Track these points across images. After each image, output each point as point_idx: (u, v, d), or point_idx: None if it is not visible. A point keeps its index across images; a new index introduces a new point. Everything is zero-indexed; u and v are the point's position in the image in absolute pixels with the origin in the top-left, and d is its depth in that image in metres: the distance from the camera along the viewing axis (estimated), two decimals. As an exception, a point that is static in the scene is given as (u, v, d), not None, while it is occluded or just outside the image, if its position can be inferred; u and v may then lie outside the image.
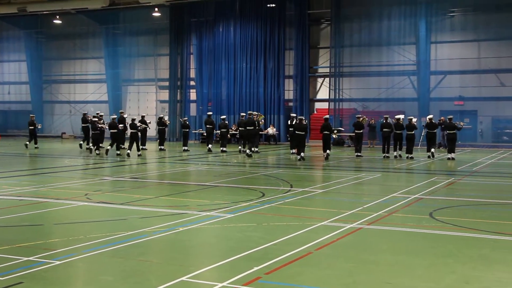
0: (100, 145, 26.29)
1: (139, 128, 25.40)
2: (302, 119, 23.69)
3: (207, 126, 27.86)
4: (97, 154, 24.71)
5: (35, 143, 29.27)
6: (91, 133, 26.04)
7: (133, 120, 25.01)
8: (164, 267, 6.76)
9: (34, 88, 44.86)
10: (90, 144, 26.76)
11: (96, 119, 25.75)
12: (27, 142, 29.26)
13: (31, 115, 31.26)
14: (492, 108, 32.37)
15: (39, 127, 30.25)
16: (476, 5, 32.36)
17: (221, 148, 26.78)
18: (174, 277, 6.21)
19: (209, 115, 28.60)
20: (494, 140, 32.79)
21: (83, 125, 28.71)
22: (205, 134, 29.88)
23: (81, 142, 28.56)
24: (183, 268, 6.71)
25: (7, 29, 45.88)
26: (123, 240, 7.94)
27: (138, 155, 24.04)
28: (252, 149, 25.05)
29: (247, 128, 25.32)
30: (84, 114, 29.12)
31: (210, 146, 27.34)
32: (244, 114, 28.52)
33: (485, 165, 21.17)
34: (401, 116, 24.34)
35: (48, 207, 10.90)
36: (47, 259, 6.89)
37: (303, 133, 22.97)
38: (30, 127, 29.59)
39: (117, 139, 24.99)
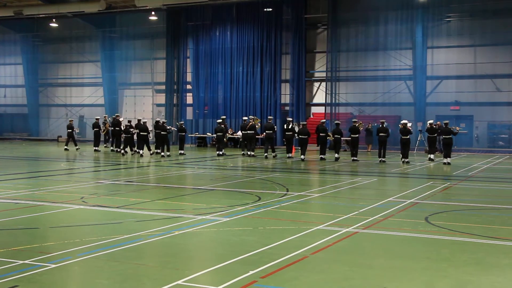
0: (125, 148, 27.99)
1: (168, 130, 26.79)
2: (305, 124, 25.85)
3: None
4: (122, 154, 26.71)
5: (66, 144, 30.21)
6: (124, 136, 27.49)
7: (163, 122, 27.00)
8: (160, 271, 6.76)
9: (30, 91, 44.77)
10: (114, 146, 29.08)
11: (129, 124, 27.37)
12: (76, 147, 30.22)
13: (70, 119, 31.87)
14: (488, 113, 32.44)
15: (76, 131, 31.24)
16: (473, 11, 32.45)
17: (217, 152, 26.83)
18: (169, 281, 6.21)
19: (223, 119, 28.96)
20: (490, 145, 32.83)
21: (116, 128, 29.35)
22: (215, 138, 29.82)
23: (112, 148, 29.49)
24: (178, 271, 6.71)
25: (3, 32, 45.80)
26: (119, 244, 7.94)
27: (168, 155, 25.91)
28: (270, 153, 26.09)
29: (267, 132, 26.56)
30: (115, 118, 29.98)
31: (223, 151, 27.72)
32: (246, 118, 28.79)
33: (481, 170, 21.21)
34: (406, 121, 24.31)
35: (44, 211, 10.89)
36: (42, 263, 6.89)
37: (306, 137, 24.85)
38: (68, 130, 30.15)
39: (146, 141, 26.52)
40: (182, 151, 27.45)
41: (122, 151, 27.27)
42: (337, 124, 25.90)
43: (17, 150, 30.13)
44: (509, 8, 31.67)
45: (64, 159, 24.75)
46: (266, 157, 25.74)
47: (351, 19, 34.79)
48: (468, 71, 32.63)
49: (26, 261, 6.93)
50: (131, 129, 27.19)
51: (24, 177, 17.50)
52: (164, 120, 28.04)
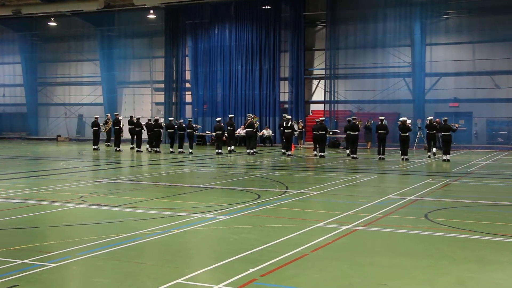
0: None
1: (195, 128, 28.30)
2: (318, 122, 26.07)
3: (228, 127, 28.20)
4: (148, 151, 27.98)
5: (94, 144, 30.18)
6: (148, 133, 28.22)
7: (189, 121, 28.43)
8: (159, 270, 6.75)
9: (29, 90, 44.75)
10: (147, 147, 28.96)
11: (155, 123, 28.40)
12: (95, 146, 30.08)
13: (95, 116, 31.73)
14: (487, 110, 32.43)
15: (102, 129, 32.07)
16: (471, 8, 32.45)
17: (216, 150, 26.81)
18: (169, 280, 6.20)
19: (231, 118, 29.05)
20: (489, 141, 32.85)
21: (116, 127, 29.71)
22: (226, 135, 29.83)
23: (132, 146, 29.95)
24: (178, 270, 6.70)
25: (2, 31, 45.77)
26: (118, 243, 7.93)
27: (190, 153, 26.81)
28: (287, 152, 26.14)
29: (281, 129, 27.53)
30: (131, 117, 30.83)
31: (232, 147, 28.13)
32: (251, 115, 28.87)
33: (480, 166, 21.21)
34: (405, 118, 24.30)
35: (43, 210, 10.87)
36: (42, 262, 6.87)
37: (318, 133, 25.15)
38: (94, 128, 29.92)
39: (173, 138, 28.00)
40: (181, 150, 27.44)
41: (156, 149, 28.11)
42: (349, 121, 25.92)
43: (16, 149, 30.08)
44: (507, 5, 31.67)
45: (63, 158, 24.71)
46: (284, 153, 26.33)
47: (349, 16, 34.79)
48: (467, 68, 32.64)
49: (25, 261, 6.91)
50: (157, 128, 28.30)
51: (23, 176, 17.47)
52: (190, 119, 29.63)
